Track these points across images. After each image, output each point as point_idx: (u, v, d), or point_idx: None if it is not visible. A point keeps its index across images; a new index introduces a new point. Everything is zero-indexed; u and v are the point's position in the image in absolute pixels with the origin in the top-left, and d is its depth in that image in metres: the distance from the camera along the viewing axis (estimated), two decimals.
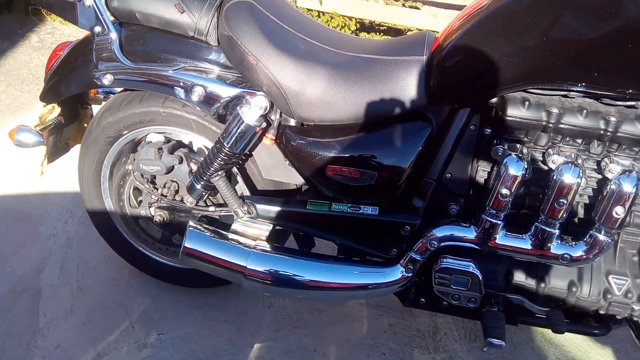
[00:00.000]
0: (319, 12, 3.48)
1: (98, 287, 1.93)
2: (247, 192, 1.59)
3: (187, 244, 1.43)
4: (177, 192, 1.58)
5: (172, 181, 1.58)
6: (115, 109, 1.54)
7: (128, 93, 1.54)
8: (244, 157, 1.50)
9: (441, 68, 1.25)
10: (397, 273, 1.42)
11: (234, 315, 1.84)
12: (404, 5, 3.55)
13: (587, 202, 1.31)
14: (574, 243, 1.30)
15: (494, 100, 1.27)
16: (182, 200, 1.58)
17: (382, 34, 3.57)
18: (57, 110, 1.63)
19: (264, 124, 1.38)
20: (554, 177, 1.21)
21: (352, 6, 3.32)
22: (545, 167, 1.27)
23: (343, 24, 3.41)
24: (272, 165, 1.48)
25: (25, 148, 1.56)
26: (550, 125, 1.22)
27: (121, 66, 1.41)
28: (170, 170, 1.53)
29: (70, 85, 1.52)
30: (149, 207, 1.64)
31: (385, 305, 1.87)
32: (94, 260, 2.01)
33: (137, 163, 1.53)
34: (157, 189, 1.59)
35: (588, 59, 1.12)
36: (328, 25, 3.46)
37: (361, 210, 1.41)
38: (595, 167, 1.27)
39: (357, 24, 3.48)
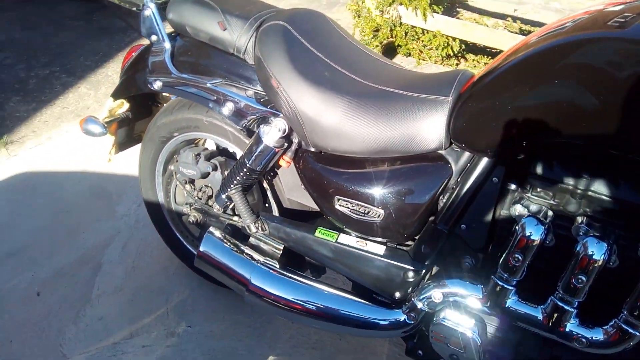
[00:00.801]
0: (423, 29, 3.38)
1: (149, 270, 2.10)
2: (275, 207, 1.62)
3: (202, 248, 1.50)
4: (210, 197, 1.66)
5: (207, 186, 1.66)
6: (169, 112, 1.66)
7: (181, 98, 1.65)
8: (272, 173, 1.53)
9: (464, 113, 1.16)
10: (397, 318, 1.35)
11: (258, 322, 1.89)
12: (521, 30, 3.32)
13: (618, 284, 1.14)
14: (592, 327, 1.14)
15: (520, 154, 1.15)
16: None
17: (490, 57, 3.37)
18: (126, 105, 1.79)
19: (285, 145, 1.39)
20: (577, 250, 1.07)
21: (457, 27, 3.18)
22: (570, 237, 1.13)
23: (446, 44, 3.28)
24: (293, 186, 1.49)
25: (91, 137, 1.73)
26: (579, 191, 1.09)
27: (169, 74, 1.52)
28: (206, 175, 1.61)
29: (132, 85, 1.67)
30: (190, 206, 1.74)
31: None
32: (153, 245, 2.18)
33: (177, 165, 1.63)
34: (195, 191, 1.68)
35: (627, 121, 0.96)
36: (430, 43, 3.35)
37: (367, 247, 1.36)
38: (632, 247, 1.09)
39: (462, 45, 3.32)
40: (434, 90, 1.23)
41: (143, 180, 1.87)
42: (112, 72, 3.42)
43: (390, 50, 3.73)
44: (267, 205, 1.66)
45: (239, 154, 1.63)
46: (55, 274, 2.07)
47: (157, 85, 1.54)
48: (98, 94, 3.21)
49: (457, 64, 3.48)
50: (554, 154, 1.12)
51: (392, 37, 3.60)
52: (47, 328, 1.88)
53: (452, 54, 3.37)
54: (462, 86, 1.23)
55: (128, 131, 1.90)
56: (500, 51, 3.28)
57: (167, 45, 1.52)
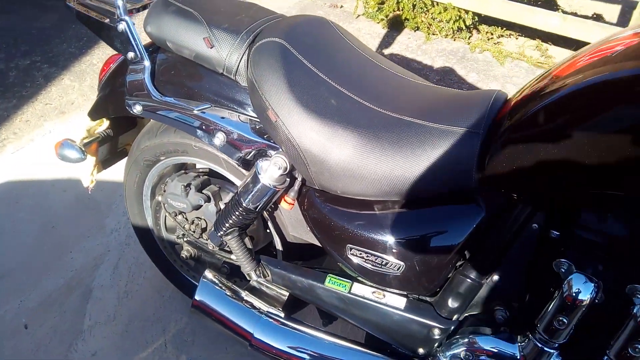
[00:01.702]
0: (432, 1, 3.11)
1: (143, 295, 1.93)
2: (277, 241, 1.44)
3: (198, 296, 1.33)
4: (204, 230, 1.48)
5: (200, 218, 1.47)
6: (152, 134, 1.46)
7: None
8: (273, 206, 1.34)
9: (499, 148, 0.96)
10: None
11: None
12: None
13: None
14: None
15: (569, 202, 0.96)
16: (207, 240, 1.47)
17: (504, 28, 3.10)
18: (106, 123, 1.59)
19: (286, 182, 1.20)
20: (634, 313, 0.90)
21: None
22: (623, 297, 0.95)
23: (457, 17, 3.02)
24: (297, 223, 1.30)
25: (68, 163, 1.54)
26: (637, 248, 0.90)
27: (150, 97, 1.31)
28: (197, 208, 1.43)
29: (109, 106, 1.46)
30: (182, 238, 1.56)
31: None
32: (146, 265, 2.01)
33: (165, 196, 1.44)
34: (187, 224, 1.50)
35: None
36: (440, 16, 3.09)
37: (385, 300, 1.19)
38: None
39: (474, 16, 3.06)
40: (462, 120, 1.03)
41: (130, 204, 1.68)
42: (97, 60, 3.18)
43: (396, 24, 3.47)
44: (267, 231, 1.47)
45: (235, 181, 1.44)
46: (43, 302, 1.91)
47: (137, 109, 1.34)
48: (83, 86, 2.98)
49: (469, 37, 3.22)
50: (608, 203, 0.93)
51: (398, 9, 3.34)
52: None
53: (464, 27, 3.11)
54: (496, 114, 1.02)
55: (111, 147, 1.70)
56: (515, 24, 3.03)
57: (147, 63, 1.31)
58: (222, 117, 1.24)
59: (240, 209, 1.22)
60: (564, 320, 0.95)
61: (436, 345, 1.18)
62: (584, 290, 0.92)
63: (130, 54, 1.31)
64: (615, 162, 0.82)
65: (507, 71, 3.21)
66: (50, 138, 2.61)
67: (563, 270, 0.96)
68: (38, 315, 1.86)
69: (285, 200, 1.20)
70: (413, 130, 1.05)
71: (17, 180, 2.39)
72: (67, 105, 2.84)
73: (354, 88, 1.14)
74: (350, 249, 1.14)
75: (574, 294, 0.93)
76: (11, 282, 1.97)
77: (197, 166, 1.59)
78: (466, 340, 1.12)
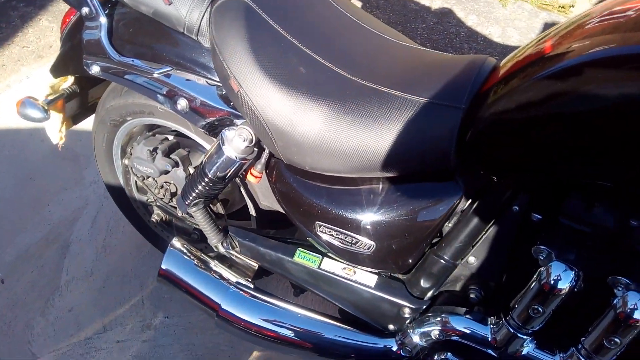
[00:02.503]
0: None
1: (121, 250, 1.91)
2: (251, 207, 1.39)
3: (165, 265, 1.29)
4: (174, 194, 1.42)
5: (169, 182, 1.41)
6: (117, 94, 1.37)
7: None
8: (242, 175, 1.28)
9: (483, 127, 0.88)
10: (389, 350, 1.18)
11: None
12: None
13: None
14: None
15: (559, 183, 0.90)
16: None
17: None
18: (71, 79, 1.49)
19: (253, 153, 1.13)
20: (613, 304, 0.85)
21: None
22: (604, 288, 0.90)
23: None
24: (269, 194, 1.24)
25: (30, 122, 1.46)
26: (623, 239, 0.85)
27: (108, 57, 1.21)
28: (165, 172, 1.36)
29: (69, 64, 1.36)
30: (153, 201, 1.51)
31: None
32: (124, 219, 1.95)
33: (132, 160, 1.38)
34: (156, 188, 1.44)
35: None
36: None
37: (355, 277, 1.15)
38: None
39: None
40: (444, 92, 0.94)
41: (100, 163, 1.62)
42: None
43: None
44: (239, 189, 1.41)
45: (205, 145, 1.36)
46: (20, 256, 1.89)
47: (94, 70, 1.24)
48: None
49: None
50: (595, 190, 0.86)
51: None
52: (14, 322, 1.73)
53: None
54: (482, 85, 0.93)
55: (80, 102, 1.60)
56: None
57: (103, 20, 1.20)
58: (186, 81, 1.15)
59: (206, 179, 1.16)
60: (539, 309, 0.91)
61: (407, 322, 1.15)
62: (562, 280, 0.87)
63: (85, 10, 1.20)
64: (616, 149, 0.74)
65: (510, 13, 3.04)
66: (27, 84, 2.51)
67: (542, 258, 0.91)
68: (15, 270, 1.85)
69: (251, 174, 1.13)
70: (389, 103, 0.96)
71: None
72: (45, 49, 2.71)
73: (326, 53, 1.04)
74: (320, 226, 1.08)
75: (551, 283, 0.88)
76: None
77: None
78: (438, 318, 1.09)
